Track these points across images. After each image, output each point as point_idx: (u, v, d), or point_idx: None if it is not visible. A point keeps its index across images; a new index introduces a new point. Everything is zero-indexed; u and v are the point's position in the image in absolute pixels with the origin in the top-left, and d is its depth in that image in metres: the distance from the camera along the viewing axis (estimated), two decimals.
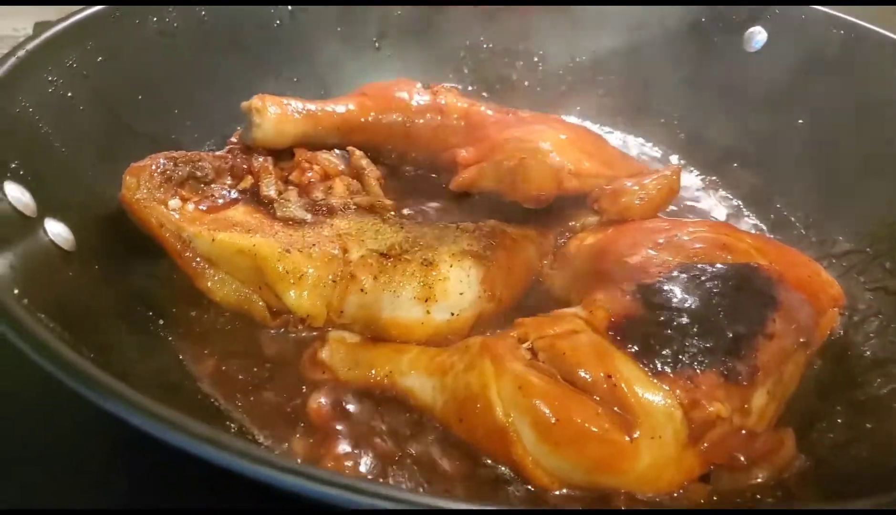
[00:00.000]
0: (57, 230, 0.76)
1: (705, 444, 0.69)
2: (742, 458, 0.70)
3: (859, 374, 0.87)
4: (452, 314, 0.83)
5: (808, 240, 1.09)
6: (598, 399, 0.68)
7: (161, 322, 0.85)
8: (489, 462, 0.73)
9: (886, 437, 0.75)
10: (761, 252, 0.84)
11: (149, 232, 0.84)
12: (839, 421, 0.81)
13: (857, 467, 0.73)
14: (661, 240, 0.86)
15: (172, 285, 0.88)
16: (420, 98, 1.13)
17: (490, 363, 0.72)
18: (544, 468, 0.69)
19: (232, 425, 0.75)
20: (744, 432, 0.70)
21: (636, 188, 0.97)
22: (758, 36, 1.24)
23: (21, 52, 0.83)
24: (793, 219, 1.13)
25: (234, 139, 1.08)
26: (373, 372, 0.79)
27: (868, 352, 0.89)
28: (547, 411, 0.68)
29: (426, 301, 0.82)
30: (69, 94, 0.89)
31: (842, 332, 0.90)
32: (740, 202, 1.19)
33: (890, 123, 1.04)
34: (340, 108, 1.08)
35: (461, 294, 0.84)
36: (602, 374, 0.69)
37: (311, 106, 1.07)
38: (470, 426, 0.72)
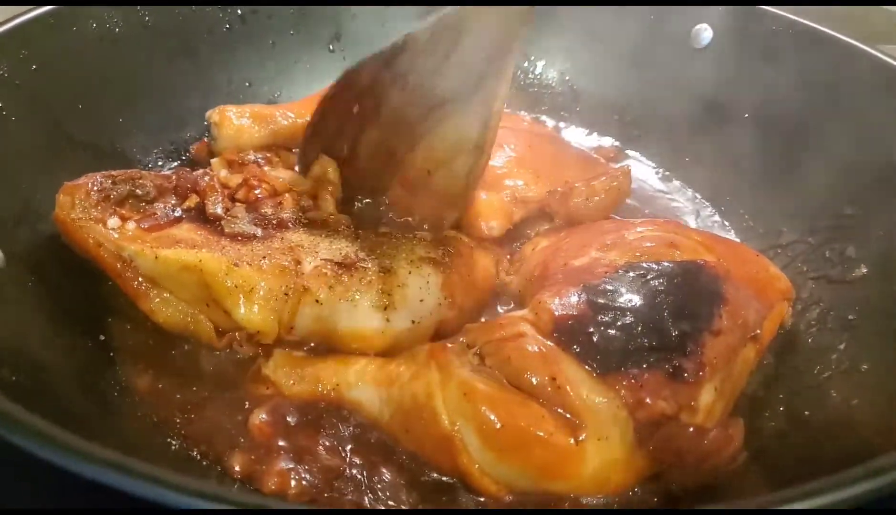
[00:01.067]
0: None
1: (653, 444, 0.69)
2: (691, 456, 0.70)
3: (801, 362, 0.88)
4: (413, 321, 0.82)
5: (755, 232, 1.12)
6: (543, 402, 0.68)
7: (99, 339, 0.83)
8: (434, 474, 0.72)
9: (823, 424, 0.76)
10: (709, 249, 0.85)
11: (85, 253, 0.81)
12: (781, 408, 0.83)
13: (794, 455, 0.74)
14: (608, 241, 0.87)
15: (108, 303, 0.86)
16: None
17: (436, 371, 0.72)
18: (491, 475, 0.68)
19: (172, 442, 0.74)
20: (692, 430, 0.70)
21: (585, 190, 0.98)
22: (704, 33, 1.25)
23: None
24: (741, 210, 1.15)
25: (192, 151, 1.09)
26: (319, 386, 0.78)
27: (810, 340, 0.92)
28: (492, 417, 0.67)
29: (385, 309, 0.80)
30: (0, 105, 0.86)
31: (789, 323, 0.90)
32: (698, 194, 1.22)
33: (831, 118, 1.06)
34: (300, 116, 1.06)
35: (421, 301, 0.82)
36: (547, 377, 0.69)
37: (272, 115, 1.06)
38: (417, 437, 0.72)
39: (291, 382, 0.78)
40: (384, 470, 0.71)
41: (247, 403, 0.79)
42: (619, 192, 0.99)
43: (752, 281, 0.83)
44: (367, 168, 0.95)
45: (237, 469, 0.71)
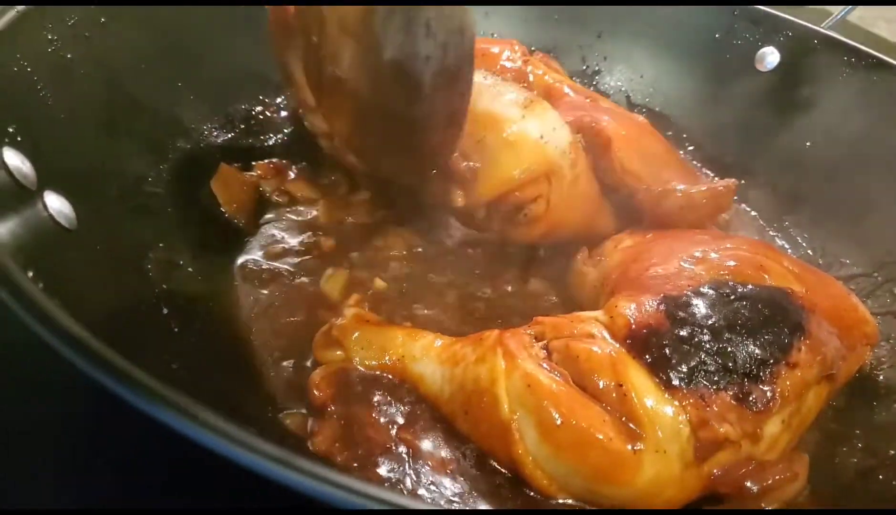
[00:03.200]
0: (57, 205, 0.72)
1: (714, 469, 0.69)
2: (752, 488, 0.70)
3: (874, 398, 0.87)
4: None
5: (814, 262, 1.10)
6: (606, 406, 0.69)
7: (165, 311, 0.79)
8: (490, 464, 0.73)
9: None
10: (798, 278, 0.83)
11: None
12: (859, 445, 0.81)
13: (885, 493, 0.72)
14: (697, 253, 0.85)
15: (176, 272, 0.86)
16: (512, 63, 1.09)
17: (502, 358, 0.73)
18: (544, 470, 0.70)
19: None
20: (755, 462, 0.70)
21: (681, 195, 0.95)
22: (770, 57, 1.24)
23: (21, 6, 0.76)
24: (799, 239, 1.13)
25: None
26: (385, 355, 0.80)
27: (881, 377, 0.90)
28: (553, 412, 0.68)
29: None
30: (69, 56, 0.85)
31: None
32: (756, 214, 1.21)
33: None
34: None
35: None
36: (613, 382, 0.70)
37: None
38: (474, 420, 0.73)
39: (360, 347, 0.80)
40: (429, 456, 0.73)
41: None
42: (718, 208, 0.96)
43: (837, 319, 0.81)
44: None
45: (290, 426, 0.75)
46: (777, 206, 1.19)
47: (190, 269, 0.88)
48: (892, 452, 0.79)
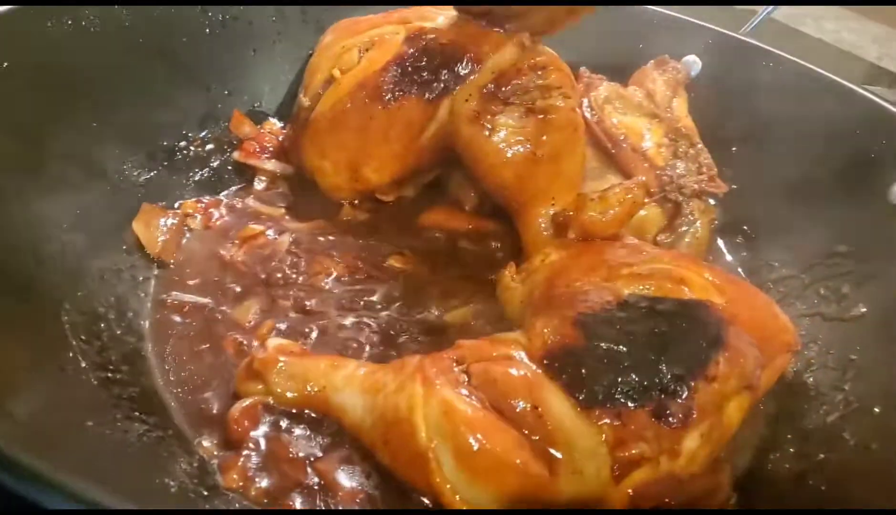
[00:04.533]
0: None
1: (631, 486, 0.70)
2: (676, 502, 0.72)
3: (804, 401, 0.89)
4: None
5: (744, 265, 1.16)
6: (523, 430, 0.70)
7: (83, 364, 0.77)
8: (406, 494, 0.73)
9: (841, 467, 0.76)
10: (719, 289, 0.85)
11: None
12: (791, 450, 0.83)
13: (816, 497, 0.73)
14: (618, 267, 0.86)
15: (95, 322, 0.85)
16: None
17: (420, 385, 0.74)
18: (463, 497, 0.70)
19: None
20: (675, 476, 0.71)
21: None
22: (693, 65, 1.27)
23: None
24: (729, 244, 1.16)
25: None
26: (307, 386, 0.80)
27: (811, 380, 0.92)
28: (469, 438, 0.69)
29: None
30: None
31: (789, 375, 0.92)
32: None
33: (827, 154, 1.09)
34: None
35: None
36: (529, 405, 0.70)
37: None
38: (394, 449, 0.74)
39: (282, 379, 0.80)
40: (340, 488, 0.74)
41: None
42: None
43: (757, 329, 0.83)
44: None
45: (203, 453, 0.76)
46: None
47: (111, 316, 0.87)
48: (822, 456, 0.81)
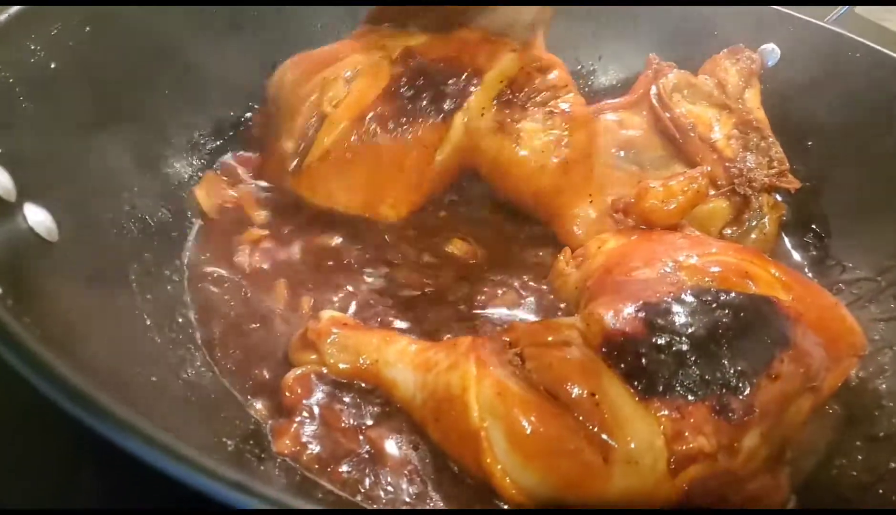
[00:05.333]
0: (38, 217, 0.71)
1: (687, 481, 0.68)
2: (732, 500, 0.70)
3: (875, 408, 0.86)
4: None
5: (819, 266, 1.11)
6: (579, 416, 0.68)
7: (148, 322, 0.80)
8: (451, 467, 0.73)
9: None
10: (785, 286, 0.82)
11: None
12: (859, 457, 0.80)
13: (885, 507, 0.70)
14: (680, 257, 0.84)
15: (160, 285, 0.86)
16: None
17: (474, 365, 0.73)
18: (513, 480, 0.69)
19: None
20: (732, 473, 0.69)
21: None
22: (770, 53, 1.22)
23: (2, 16, 0.75)
24: (803, 244, 1.11)
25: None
26: (359, 359, 0.80)
27: (883, 386, 0.89)
28: (523, 421, 0.68)
29: None
30: (52, 66, 0.84)
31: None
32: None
33: None
34: None
35: None
36: (586, 391, 0.69)
37: None
38: (444, 427, 0.73)
39: (335, 350, 0.80)
40: (389, 458, 0.74)
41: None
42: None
43: (824, 330, 0.80)
44: None
45: (257, 416, 0.77)
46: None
47: (175, 278, 0.89)
48: (893, 465, 0.78)
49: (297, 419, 0.76)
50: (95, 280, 0.75)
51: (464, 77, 0.98)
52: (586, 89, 1.38)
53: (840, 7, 1.20)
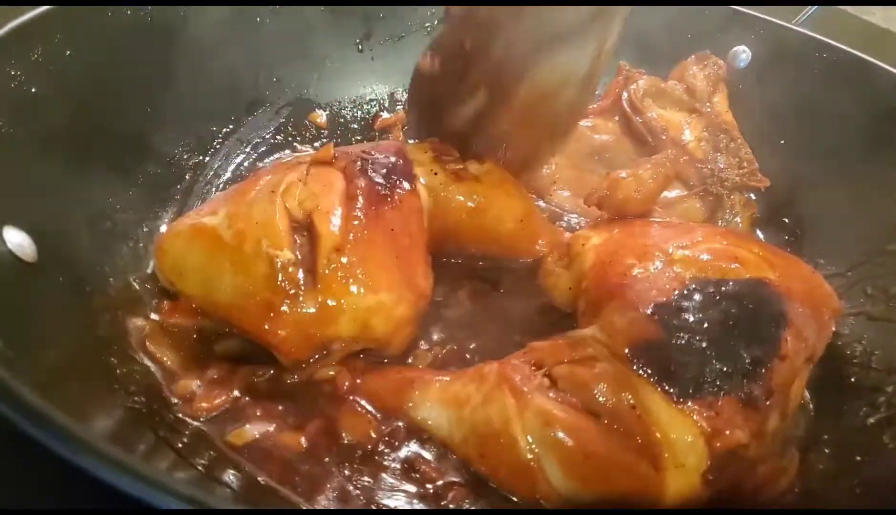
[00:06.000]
0: (17, 239, 0.73)
1: (711, 474, 0.70)
2: (747, 486, 0.72)
3: (844, 402, 0.87)
4: None
5: None
6: (621, 430, 0.70)
7: (131, 340, 0.81)
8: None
9: (880, 471, 0.75)
10: (770, 264, 0.85)
11: None
12: (826, 450, 0.82)
13: (848, 502, 0.72)
14: (671, 250, 0.86)
15: (140, 301, 0.86)
16: None
17: (510, 395, 0.73)
18: (571, 504, 0.70)
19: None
20: (748, 460, 0.71)
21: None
22: (742, 55, 1.24)
23: None
24: (778, 238, 1.14)
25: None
26: (381, 402, 0.79)
27: (853, 379, 0.91)
28: (575, 447, 0.69)
29: None
30: (33, 90, 0.85)
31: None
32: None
33: (879, 149, 1.07)
34: None
35: None
36: (626, 404, 0.70)
37: None
38: (492, 463, 0.73)
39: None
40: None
41: None
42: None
43: (809, 300, 0.84)
44: (471, 113, 0.95)
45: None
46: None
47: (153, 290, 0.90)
48: (859, 458, 0.79)
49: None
50: (77, 294, 0.78)
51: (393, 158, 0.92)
52: None
53: (808, 8, 1.22)
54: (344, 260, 0.79)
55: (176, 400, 0.76)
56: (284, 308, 0.76)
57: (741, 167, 1.08)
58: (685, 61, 1.18)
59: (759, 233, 1.16)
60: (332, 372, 0.79)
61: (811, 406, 0.88)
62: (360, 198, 0.84)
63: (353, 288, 0.78)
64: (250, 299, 0.77)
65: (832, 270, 1.07)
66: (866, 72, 1.14)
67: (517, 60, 0.89)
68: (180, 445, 0.71)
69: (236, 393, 0.78)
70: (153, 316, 0.84)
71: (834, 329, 0.89)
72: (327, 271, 0.78)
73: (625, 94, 1.09)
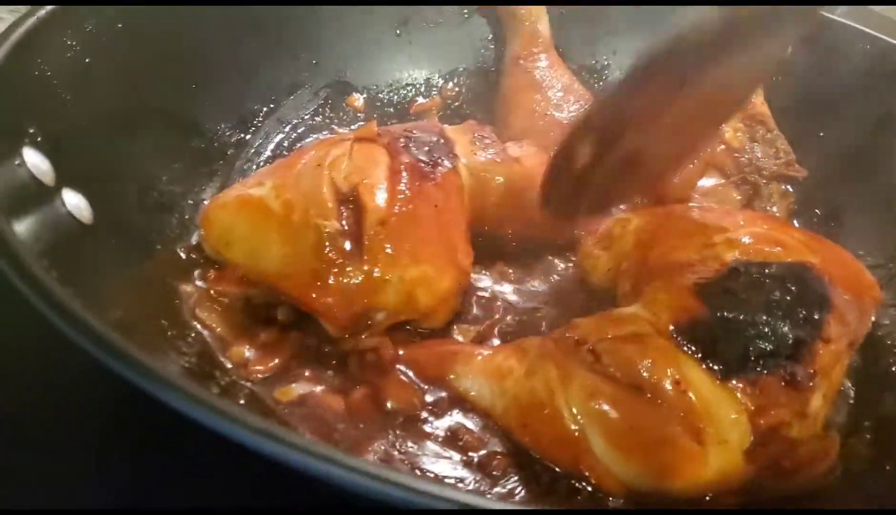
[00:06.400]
0: (74, 201, 0.76)
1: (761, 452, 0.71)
2: (786, 465, 0.73)
3: (884, 389, 0.86)
4: None
5: None
6: (665, 404, 0.71)
7: (182, 308, 0.83)
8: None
9: None
10: (811, 249, 0.86)
11: None
12: (867, 436, 0.82)
13: (888, 485, 0.71)
14: (713, 233, 0.87)
15: (188, 270, 0.88)
16: None
17: (554, 367, 0.74)
18: (614, 475, 0.71)
19: None
20: (789, 440, 0.72)
21: None
22: None
23: (41, 13, 0.82)
24: (817, 228, 1.13)
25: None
26: (424, 374, 0.80)
27: (893, 369, 0.89)
28: (619, 419, 0.70)
29: None
30: (87, 60, 0.88)
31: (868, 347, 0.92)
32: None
33: None
34: None
35: None
36: (669, 380, 0.71)
37: None
38: (535, 432, 0.74)
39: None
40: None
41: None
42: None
43: (851, 286, 0.84)
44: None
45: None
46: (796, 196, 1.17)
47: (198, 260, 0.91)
48: None
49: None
50: (128, 258, 0.80)
51: (434, 137, 0.94)
52: (600, 83, 1.40)
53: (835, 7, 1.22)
54: (389, 232, 0.80)
55: (230, 365, 0.78)
56: (331, 277, 0.78)
57: (778, 157, 1.08)
58: None
59: (795, 223, 1.16)
60: (376, 341, 0.80)
61: (852, 393, 0.88)
62: (404, 174, 0.85)
63: (398, 260, 0.80)
64: (298, 267, 0.79)
65: (871, 261, 1.06)
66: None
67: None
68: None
69: (287, 357, 0.79)
70: (200, 283, 0.85)
71: (874, 318, 0.89)
72: (373, 242, 0.79)
73: None
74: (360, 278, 0.79)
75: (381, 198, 0.82)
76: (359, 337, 0.81)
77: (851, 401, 0.87)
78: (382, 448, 0.72)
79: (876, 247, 1.07)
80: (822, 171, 1.14)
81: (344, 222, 0.80)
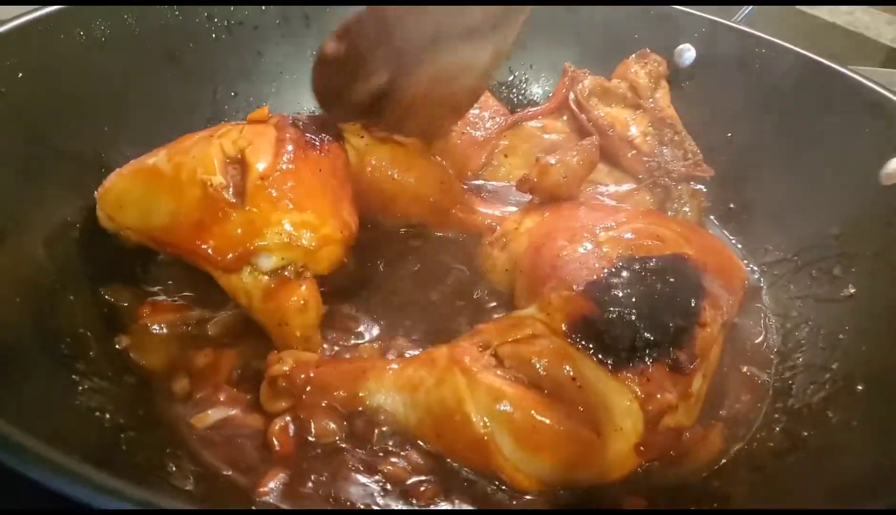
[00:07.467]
0: None
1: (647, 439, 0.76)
2: (672, 453, 0.79)
3: (792, 380, 0.90)
4: None
5: (739, 251, 1.19)
6: (564, 400, 0.76)
7: (81, 362, 0.81)
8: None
9: (825, 445, 0.79)
10: (688, 240, 0.93)
11: None
12: (776, 428, 0.85)
13: (797, 476, 0.75)
14: (598, 231, 0.93)
15: (95, 322, 0.87)
16: None
17: (461, 375, 0.78)
18: (524, 472, 0.76)
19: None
20: (674, 429, 0.78)
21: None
22: (686, 53, 1.28)
23: None
24: (725, 232, 1.17)
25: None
26: (337, 394, 0.81)
27: (800, 359, 0.95)
28: (524, 419, 0.75)
29: None
30: None
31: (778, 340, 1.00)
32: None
33: (819, 137, 1.13)
34: None
35: None
36: (568, 377, 0.76)
37: None
38: (448, 440, 0.78)
39: (309, 395, 0.80)
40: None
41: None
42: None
43: (722, 272, 0.92)
44: (373, 90, 0.97)
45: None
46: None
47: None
48: (806, 433, 0.84)
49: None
50: (34, 311, 0.79)
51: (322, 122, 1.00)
52: (520, 98, 1.43)
53: (745, 7, 1.27)
54: (271, 184, 0.87)
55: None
56: (215, 225, 0.85)
57: (686, 158, 1.12)
58: (627, 60, 1.22)
59: (711, 222, 1.20)
60: (285, 369, 0.81)
61: (770, 391, 0.92)
62: (290, 145, 0.92)
63: (279, 205, 0.86)
64: (184, 218, 0.86)
65: (779, 255, 1.12)
66: (802, 64, 1.19)
67: (419, 51, 0.92)
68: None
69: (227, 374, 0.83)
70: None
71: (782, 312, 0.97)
72: (255, 191, 0.86)
73: (571, 95, 1.13)
74: (241, 223, 0.85)
75: (265, 158, 0.89)
76: (274, 353, 0.83)
77: (769, 395, 0.91)
78: (299, 476, 0.74)
79: (782, 242, 1.12)
80: (732, 172, 1.20)
81: (230, 179, 0.87)
